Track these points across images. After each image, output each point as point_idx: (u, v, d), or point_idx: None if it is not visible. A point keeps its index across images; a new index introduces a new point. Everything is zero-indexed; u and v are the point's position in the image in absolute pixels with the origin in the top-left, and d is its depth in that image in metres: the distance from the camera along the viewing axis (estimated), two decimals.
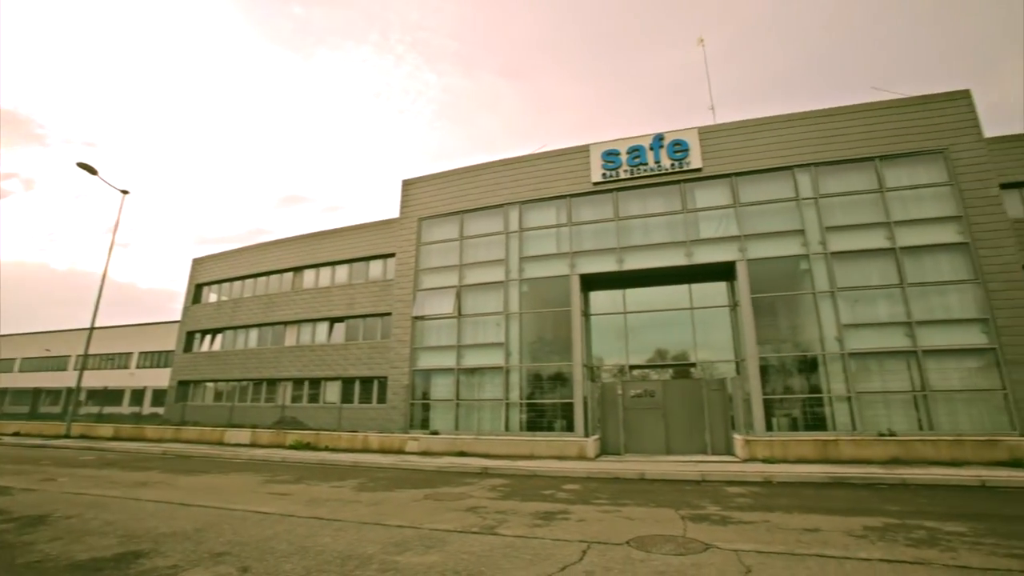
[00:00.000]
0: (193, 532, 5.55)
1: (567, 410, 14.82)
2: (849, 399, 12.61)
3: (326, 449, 15.48)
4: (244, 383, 25.11)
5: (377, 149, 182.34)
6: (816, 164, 14.37)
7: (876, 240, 13.46)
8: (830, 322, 13.22)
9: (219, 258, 28.75)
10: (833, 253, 13.63)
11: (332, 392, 22.49)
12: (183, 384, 27.06)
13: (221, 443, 17.72)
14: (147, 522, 6.03)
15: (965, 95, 13.73)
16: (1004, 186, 14.37)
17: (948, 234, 13.02)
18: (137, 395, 32.99)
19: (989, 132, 15.40)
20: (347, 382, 22.23)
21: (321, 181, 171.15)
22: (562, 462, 12.21)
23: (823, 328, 13.23)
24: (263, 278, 26.60)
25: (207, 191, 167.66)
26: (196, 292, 29.10)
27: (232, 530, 5.66)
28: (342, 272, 24.15)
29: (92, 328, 21.05)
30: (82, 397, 26.49)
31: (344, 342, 22.83)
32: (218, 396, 26.06)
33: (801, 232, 14.04)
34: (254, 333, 25.87)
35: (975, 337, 12.26)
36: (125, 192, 21.85)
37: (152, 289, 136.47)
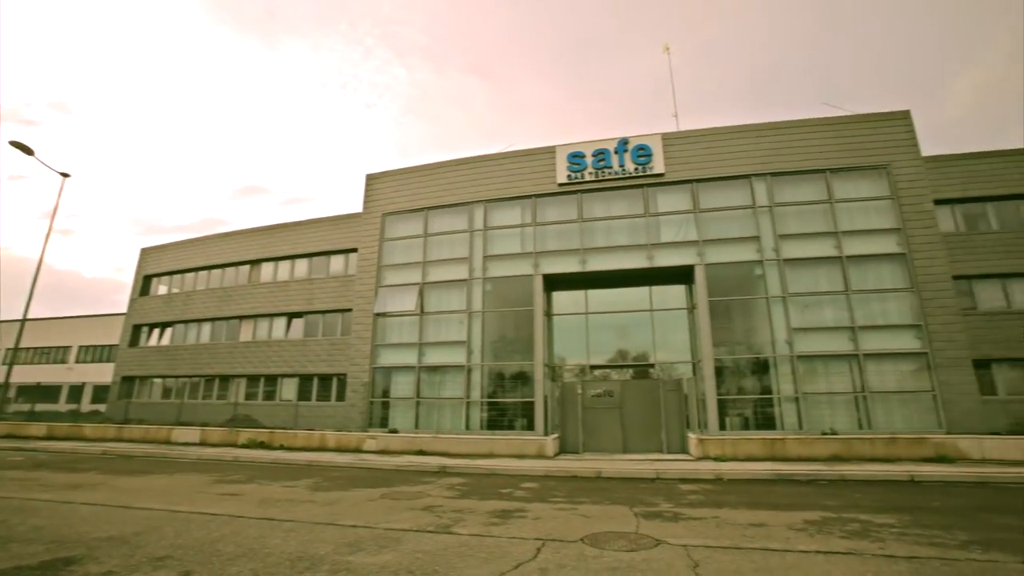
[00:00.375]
0: (132, 536, 5.28)
1: (528, 409, 14.90)
2: (797, 400, 13.24)
3: (281, 448, 15.03)
4: (195, 379, 24.05)
5: (342, 142, 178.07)
6: (772, 174, 15.00)
7: (825, 248, 14.17)
8: (781, 326, 13.83)
9: (170, 248, 27.40)
10: (785, 260, 14.27)
11: (289, 389, 21.84)
12: (128, 380, 25.66)
13: (168, 442, 16.93)
14: (80, 527, 5.69)
15: (905, 115, 14.64)
16: (938, 202, 15.42)
17: (888, 245, 13.86)
18: (76, 391, 31.05)
19: (948, 149, 16.50)
20: (305, 379, 21.64)
21: (282, 173, 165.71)
22: (521, 461, 12.29)
23: (774, 331, 13.83)
24: (218, 270, 25.53)
25: (159, 178, 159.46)
26: (144, 283, 27.65)
27: (175, 533, 5.42)
28: (302, 266, 23.48)
29: (24, 319, 19.66)
30: (11, 394, 24.76)
31: (303, 338, 22.20)
32: (166, 393, 24.86)
33: (756, 239, 14.62)
34: (207, 327, 24.80)
35: (909, 342, 13.11)
36: (65, 175, 20.52)
37: (97, 279, 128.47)
